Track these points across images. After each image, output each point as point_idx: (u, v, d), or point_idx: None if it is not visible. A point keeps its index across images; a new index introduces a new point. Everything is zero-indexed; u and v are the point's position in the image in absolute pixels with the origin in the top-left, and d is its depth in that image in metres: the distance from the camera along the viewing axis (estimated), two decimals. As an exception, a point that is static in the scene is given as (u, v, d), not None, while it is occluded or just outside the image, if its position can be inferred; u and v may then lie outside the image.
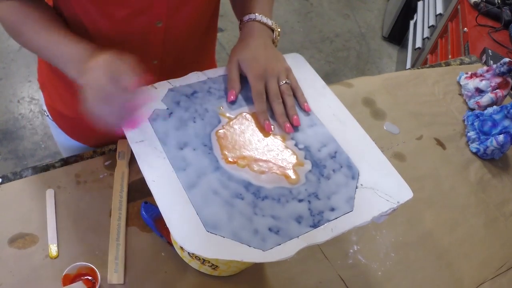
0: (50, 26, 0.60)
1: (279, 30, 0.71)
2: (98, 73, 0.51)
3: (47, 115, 0.85)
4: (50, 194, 0.70)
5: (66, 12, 0.66)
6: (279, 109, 0.64)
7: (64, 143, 0.89)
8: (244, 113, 0.64)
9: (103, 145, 0.84)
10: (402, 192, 0.59)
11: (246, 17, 0.70)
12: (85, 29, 0.66)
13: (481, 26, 1.73)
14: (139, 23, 0.64)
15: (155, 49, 0.69)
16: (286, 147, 0.61)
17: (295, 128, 0.64)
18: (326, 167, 0.60)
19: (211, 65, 0.90)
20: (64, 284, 0.60)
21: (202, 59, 0.82)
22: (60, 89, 0.78)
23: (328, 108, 0.68)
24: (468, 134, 1.02)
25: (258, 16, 0.69)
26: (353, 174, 0.60)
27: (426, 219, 0.84)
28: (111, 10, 0.62)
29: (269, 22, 0.70)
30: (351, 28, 2.94)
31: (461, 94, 1.14)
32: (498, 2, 1.80)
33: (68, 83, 0.76)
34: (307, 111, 0.66)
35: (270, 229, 0.52)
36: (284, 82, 0.66)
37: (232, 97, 0.64)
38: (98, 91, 0.51)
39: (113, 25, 0.64)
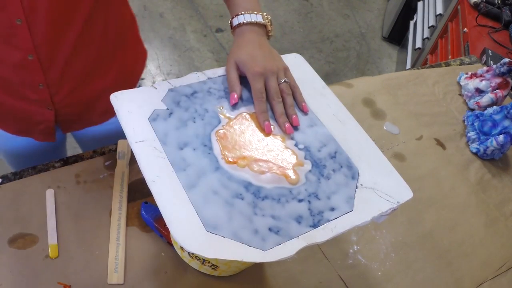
0: None
1: (269, 18, 0.70)
2: None
3: None
4: (50, 194, 0.70)
5: None
6: (279, 109, 0.64)
7: None
8: (244, 113, 0.64)
9: (21, 132, 0.84)
10: (402, 192, 0.59)
11: (235, 21, 0.69)
12: None
13: (481, 26, 1.73)
14: (1, 18, 0.63)
15: (24, 44, 0.67)
16: (286, 147, 0.61)
17: (294, 128, 0.64)
18: (326, 167, 0.60)
19: (128, 57, 0.86)
20: None
21: (105, 51, 0.78)
22: None
23: (328, 108, 0.68)
24: (468, 134, 1.02)
25: (246, 17, 0.68)
26: (353, 174, 0.60)
27: (426, 219, 0.84)
28: None
29: (258, 18, 0.68)
30: (351, 28, 2.94)
31: (461, 94, 1.14)
32: (498, 3, 1.80)
33: None
34: (305, 111, 0.66)
35: (270, 229, 0.52)
36: (283, 80, 0.66)
37: (234, 100, 0.64)
38: None
39: None
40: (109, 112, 0.87)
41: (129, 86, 0.87)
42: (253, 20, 0.68)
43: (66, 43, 0.70)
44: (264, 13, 0.70)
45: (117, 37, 0.78)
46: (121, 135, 0.79)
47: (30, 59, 0.68)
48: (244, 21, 0.68)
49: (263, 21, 0.69)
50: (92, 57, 0.75)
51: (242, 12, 0.68)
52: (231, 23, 0.71)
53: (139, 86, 0.92)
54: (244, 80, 0.66)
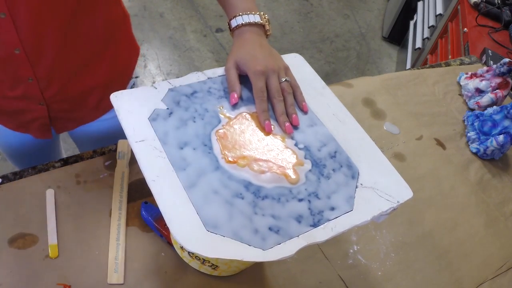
0: None
1: (267, 17, 0.70)
2: None
3: None
4: (50, 194, 0.70)
5: None
6: (280, 108, 0.64)
7: None
8: (244, 113, 0.64)
9: (20, 127, 0.84)
10: (402, 192, 0.59)
11: (233, 23, 0.69)
12: None
13: (481, 26, 1.73)
14: None
15: (10, 38, 0.66)
16: (286, 147, 0.61)
17: (294, 127, 0.64)
18: (326, 167, 0.60)
19: (120, 53, 0.85)
20: None
21: (95, 46, 0.77)
22: None
23: (328, 108, 0.68)
24: (468, 134, 1.02)
25: (244, 18, 0.68)
26: (353, 174, 0.60)
27: (426, 219, 0.84)
28: None
29: (256, 19, 0.69)
30: (351, 28, 2.94)
31: (461, 94, 1.14)
32: (498, 3, 1.80)
33: None
34: (305, 111, 0.66)
35: (270, 229, 0.52)
36: (284, 79, 0.66)
37: (234, 100, 0.64)
38: None
39: None
40: (101, 108, 0.88)
41: (121, 83, 0.87)
42: (251, 21, 0.68)
43: (54, 37, 0.69)
44: (262, 13, 0.70)
45: (107, 33, 0.78)
46: (117, 134, 0.79)
47: (17, 53, 0.68)
48: (243, 22, 0.68)
49: (261, 21, 0.69)
50: (81, 52, 0.75)
51: (240, 13, 0.69)
52: (229, 24, 0.71)
53: (134, 84, 0.92)
54: (244, 80, 0.66)
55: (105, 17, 0.76)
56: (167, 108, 0.61)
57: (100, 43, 0.78)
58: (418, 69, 1.18)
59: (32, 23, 0.66)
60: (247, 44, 0.67)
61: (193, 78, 0.67)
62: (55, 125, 0.86)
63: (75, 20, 0.70)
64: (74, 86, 0.79)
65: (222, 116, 0.62)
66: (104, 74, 0.81)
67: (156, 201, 0.50)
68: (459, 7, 1.89)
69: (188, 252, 0.63)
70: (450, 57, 1.75)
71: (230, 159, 0.57)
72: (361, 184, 0.59)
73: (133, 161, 0.76)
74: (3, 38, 0.66)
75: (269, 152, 0.60)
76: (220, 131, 0.60)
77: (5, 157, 0.98)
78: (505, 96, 1.08)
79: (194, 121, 0.61)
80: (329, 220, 0.54)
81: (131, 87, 0.91)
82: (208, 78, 0.67)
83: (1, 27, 0.64)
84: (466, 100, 1.12)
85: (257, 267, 0.70)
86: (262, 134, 0.62)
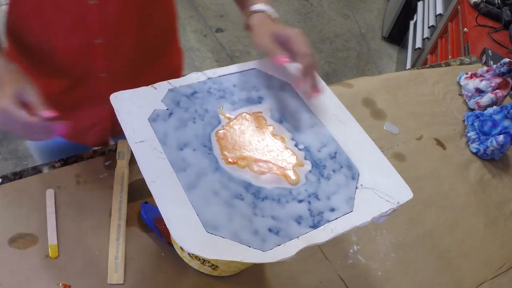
0: None
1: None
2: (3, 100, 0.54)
3: None
4: (50, 194, 0.70)
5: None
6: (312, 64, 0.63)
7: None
8: (244, 114, 0.64)
9: (76, 137, 0.83)
10: (402, 192, 0.59)
11: (257, 7, 0.68)
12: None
13: (481, 26, 1.73)
14: (72, 2, 0.63)
15: (94, 27, 0.67)
16: (286, 148, 0.61)
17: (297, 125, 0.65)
18: (326, 168, 0.60)
19: (174, 53, 0.87)
20: None
21: (158, 44, 0.79)
22: None
23: (328, 108, 0.68)
24: (468, 134, 1.02)
25: (268, 8, 0.68)
26: (353, 175, 0.60)
27: (426, 219, 0.84)
28: None
29: (276, 15, 0.69)
30: (351, 28, 2.94)
31: (461, 94, 1.14)
32: (498, 3, 1.80)
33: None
34: (317, 93, 0.66)
35: (270, 230, 0.52)
36: None
37: (284, 59, 0.61)
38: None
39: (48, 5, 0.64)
40: None
41: None
42: (273, 14, 0.68)
43: (132, 30, 0.70)
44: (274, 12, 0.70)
45: (169, 31, 0.80)
46: None
47: (96, 43, 0.68)
48: (265, 10, 0.67)
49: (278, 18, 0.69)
50: (150, 49, 0.76)
51: (261, 3, 0.68)
52: (248, 11, 0.69)
53: None
54: (244, 80, 0.66)
55: (168, 14, 0.78)
56: (167, 109, 0.61)
57: (164, 40, 0.79)
58: (418, 69, 1.18)
59: (118, 12, 0.66)
60: (276, 23, 0.66)
61: (193, 78, 0.67)
62: (115, 129, 0.84)
63: (149, 14, 0.71)
64: (136, 86, 0.79)
65: (222, 116, 0.62)
66: (162, 72, 0.82)
67: (156, 202, 0.50)
68: (459, 7, 1.89)
69: (188, 252, 0.63)
70: (450, 57, 1.75)
71: (230, 160, 0.57)
72: (361, 185, 0.59)
73: (133, 161, 0.76)
74: (88, 25, 0.66)
75: (269, 153, 0.60)
76: (220, 131, 0.60)
77: (35, 156, 0.96)
78: (505, 96, 1.08)
79: (194, 122, 0.60)
80: (329, 221, 0.54)
81: None
82: (208, 78, 0.67)
83: (88, 12, 0.64)
84: (466, 100, 1.12)
85: (257, 267, 0.70)
86: (262, 134, 0.62)
